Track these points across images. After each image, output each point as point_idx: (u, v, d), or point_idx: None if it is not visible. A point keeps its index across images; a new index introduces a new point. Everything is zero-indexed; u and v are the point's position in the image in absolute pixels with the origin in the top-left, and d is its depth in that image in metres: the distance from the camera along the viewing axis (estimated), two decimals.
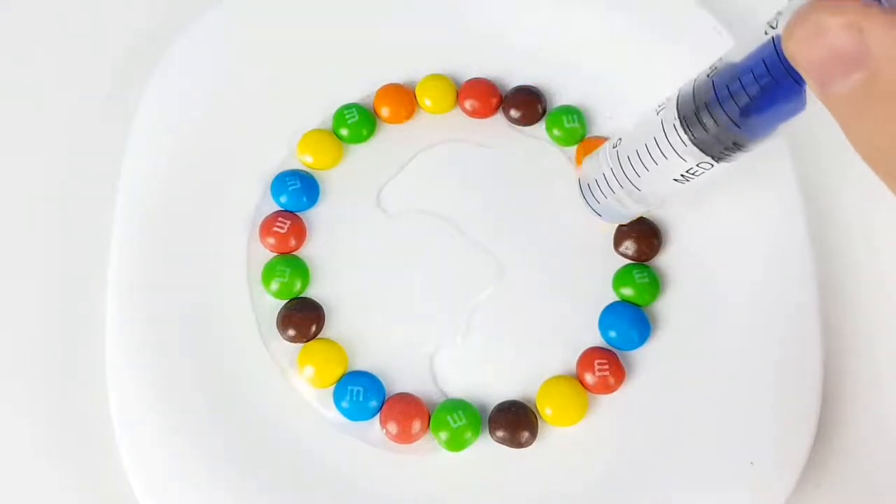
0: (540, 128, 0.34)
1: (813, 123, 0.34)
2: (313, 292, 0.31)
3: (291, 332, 0.29)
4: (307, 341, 0.29)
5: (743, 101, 0.22)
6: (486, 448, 0.28)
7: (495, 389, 0.29)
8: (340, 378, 0.29)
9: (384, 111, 0.33)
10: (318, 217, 0.32)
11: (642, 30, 0.33)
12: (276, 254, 0.31)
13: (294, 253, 0.31)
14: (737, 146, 0.24)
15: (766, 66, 0.21)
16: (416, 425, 0.28)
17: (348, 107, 0.33)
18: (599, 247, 0.31)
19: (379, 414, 0.28)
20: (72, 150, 0.33)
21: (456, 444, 0.28)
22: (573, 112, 0.33)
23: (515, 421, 0.28)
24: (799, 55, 0.19)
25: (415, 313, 0.30)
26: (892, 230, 0.32)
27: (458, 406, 0.28)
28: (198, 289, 0.30)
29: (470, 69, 0.34)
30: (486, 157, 0.33)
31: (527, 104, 0.33)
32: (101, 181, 0.31)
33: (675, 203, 0.32)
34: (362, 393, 0.28)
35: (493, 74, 0.34)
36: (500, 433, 0.28)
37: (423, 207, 0.32)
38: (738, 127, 0.23)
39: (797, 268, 0.29)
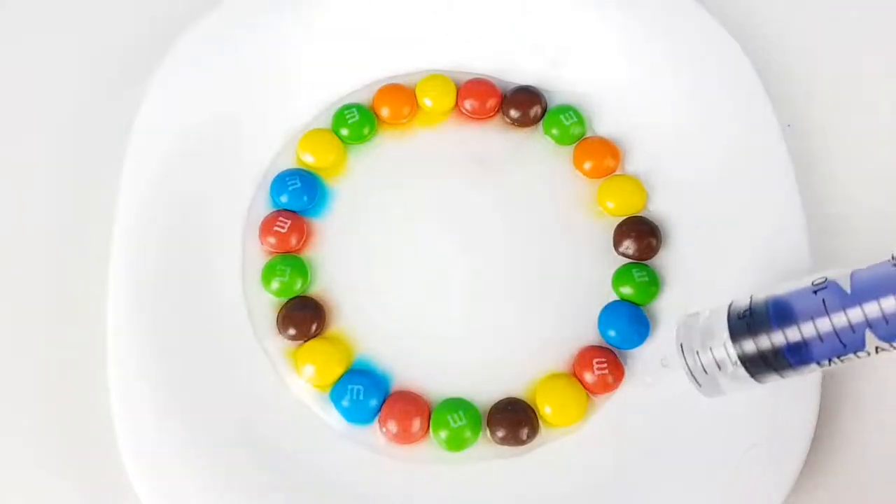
0: (539, 128, 0.34)
1: (813, 123, 0.35)
2: (313, 291, 0.31)
3: (292, 332, 0.29)
4: (307, 340, 0.29)
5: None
6: (486, 448, 0.28)
7: (494, 387, 0.29)
8: (341, 377, 0.29)
9: (384, 111, 0.33)
10: (318, 216, 0.32)
11: (641, 29, 0.33)
12: (275, 253, 0.31)
13: (294, 252, 0.31)
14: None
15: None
16: (416, 424, 0.28)
17: (349, 107, 0.33)
18: (599, 246, 0.31)
19: (378, 415, 0.28)
20: (74, 150, 0.33)
21: (456, 443, 0.28)
22: (571, 111, 0.33)
23: (515, 419, 0.28)
24: None
25: (414, 312, 0.30)
26: (891, 231, 0.32)
27: (458, 405, 0.28)
28: (198, 289, 0.30)
29: (470, 69, 0.34)
30: (485, 157, 0.33)
31: (526, 104, 0.33)
32: (101, 181, 0.31)
33: (675, 203, 0.32)
34: (362, 391, 0.28)
35: (493, 74, 0.34)
36: (500, 433, 0.28)
37: (422, 207, 0.32)
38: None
39: (796, 268, 0.29)
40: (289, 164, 0.33)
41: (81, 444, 0.28)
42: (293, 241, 0.31)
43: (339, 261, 0.31)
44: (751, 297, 0.25)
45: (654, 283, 0.30)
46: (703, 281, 0.30)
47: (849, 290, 0.23)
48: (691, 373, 0.26)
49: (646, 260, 0.31)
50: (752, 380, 0.25)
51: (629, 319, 0.30)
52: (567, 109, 0.33)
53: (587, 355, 0.29)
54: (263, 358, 0.29)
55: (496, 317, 0.30)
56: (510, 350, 0.30)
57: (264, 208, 0.32)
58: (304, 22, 0.34)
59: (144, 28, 0.35)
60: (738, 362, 0.25)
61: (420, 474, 0.28)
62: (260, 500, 0.27)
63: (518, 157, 0.33)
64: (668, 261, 0.31)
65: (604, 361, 0.29)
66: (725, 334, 0.25)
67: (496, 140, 0.34)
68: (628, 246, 0.31)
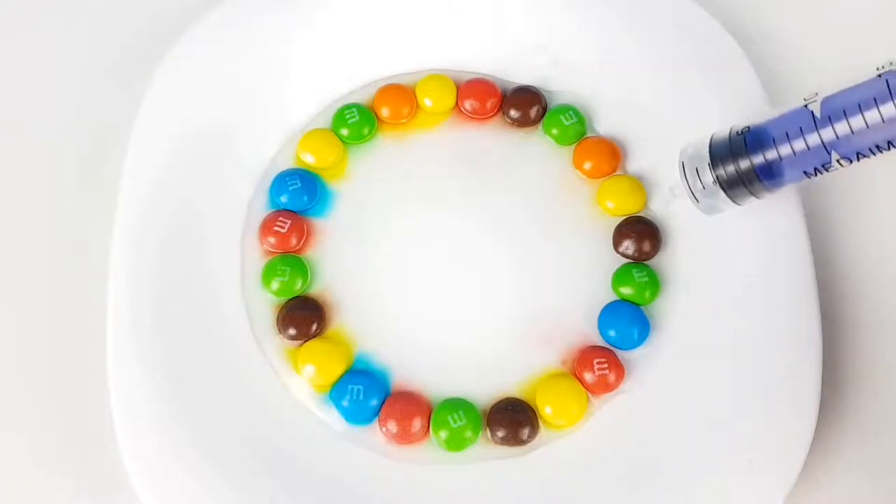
0: (539, 128, 0.34)
1: None
2: (313, 291, 0.31)
3: (292, 332, 0.29)
4: (307, 340, 0.29)
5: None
6: (486, 448, 0.28)
7: (494, 387, 0.29)
8: (341, 377, 0.29)
9: (384, 111, 0.33)
10: (318, 216, 0.32)
11: (641, 29, 0.33)
12: (275, 253, 0.31)
13: (294, 252, 0.31)
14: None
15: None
16: (416, 424, 0.28)
17: (349, 107, 0.33)
18: (599, 246, 0.31)
19: (378, 415, 0.28)
20: (74, 150, 0.33)
21: (456, 443, 0.28)
22: (571, 111, 0.33)
23: (515, 419, 0.28)
24: None
25: (414, 312, 0.30)
26: (890, 229, 0.32)
27: (458, 405, 0.28)
28: (198, 289, 0.30)
29: (470, 69, 0.34)
30: (485, 157, 0.33)
31: (526, 104, 0.33)
32: (101, 181, 0.31)
33: (675, 203, 0.32)
34: (362, 391, 0.28)
35: (493, 74, 0.34)
36: (500, 433, 0.28)
37: (422, 206, 0.32)
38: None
39: (796, 267, 0.29)
40: (289, 164, 0.33)
41: (81, 444, 0.28)
42: (293, 241, 0.31)
43: (339, 261, 0.31)
44: (731, 128, 0.28)
45: (654, 283, 0.30)
46: (703, 281, 0.30)
47: (819, 115, 0.26)
48: (690, 190, 0.29)
49: (646, 260, 0.31)
50: (729, 200, 0.29)
51: (629, 319, 0.30)
52: (567, 109, 0.33)
53: (587, 355, 0.29)
54: (263, 358, 0.29)
55: (496, 317, 0.30)
56: (510, 350, 0.30)
57: (264, 208, 0.32)
58: (304, 22, 0.34)
59: (144, 28, 0.35)
60: (716, 182, 0.28)
61: (420, 474, 0.28)
62: (259, 501, 0.27)
63: (518, 156, 0.33)
64: (668, 261, 0.31)
65: (604, 361, 0.29)
66: (707, 158, 0.28)
67: (496, 140, 0.34)
68: (628, 246, 0.31)
